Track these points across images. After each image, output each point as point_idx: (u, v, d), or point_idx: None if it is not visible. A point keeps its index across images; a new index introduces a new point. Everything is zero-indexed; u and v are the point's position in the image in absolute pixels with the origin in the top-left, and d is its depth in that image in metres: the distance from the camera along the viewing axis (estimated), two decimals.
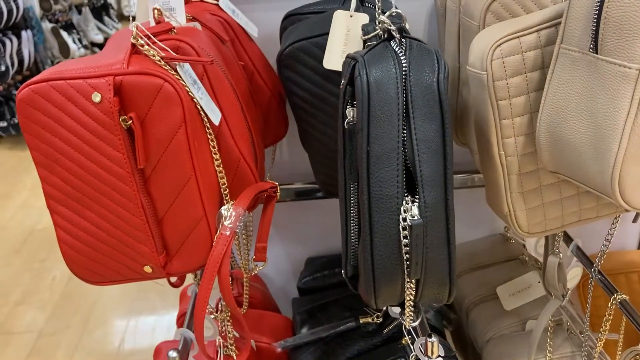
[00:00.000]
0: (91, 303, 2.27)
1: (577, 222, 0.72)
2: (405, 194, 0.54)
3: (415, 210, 0.53)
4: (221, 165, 0.68)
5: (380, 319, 0.93)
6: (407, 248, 0.54)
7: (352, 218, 0.60)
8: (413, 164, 0.53)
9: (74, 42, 4.42)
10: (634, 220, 0.81)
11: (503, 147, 0.67)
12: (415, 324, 0.62)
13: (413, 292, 0.57)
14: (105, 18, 5.23)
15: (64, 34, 4.29)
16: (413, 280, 0.56)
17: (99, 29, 5.03)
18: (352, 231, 0.61)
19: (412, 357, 0.71)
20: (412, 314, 0.60)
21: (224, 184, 0.68)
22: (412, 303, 0.58)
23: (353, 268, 0.62)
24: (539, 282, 0.98)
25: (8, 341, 2.09)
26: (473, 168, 1.06)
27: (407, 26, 0.81)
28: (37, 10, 4.07)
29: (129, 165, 0.62)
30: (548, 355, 0.87)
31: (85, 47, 4.64)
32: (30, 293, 2.36)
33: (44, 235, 2.68)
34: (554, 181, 0.69)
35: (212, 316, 0.85)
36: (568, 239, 0.89)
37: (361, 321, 0.93)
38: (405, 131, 0.53)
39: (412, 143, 0.53)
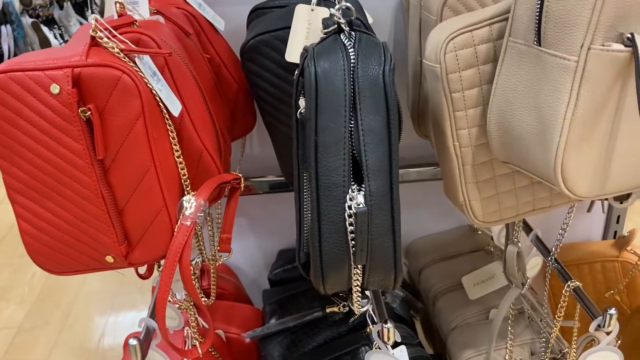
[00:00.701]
0: (71, 299, 2.27)
1: (531, 211, 0.74)
2: (352, 183, 0.55)
3: (360, 199, 0.55)
4: (181, 157, 0.69)
5: (347, 309, 0.95)
6: (353, 235, 0.56)
7: (305, 206, 0.62)
8: (359, 154, 0.55)
9: (55, 37, 4.38)
10: (588, 210, 0.83)
11: (457, 139, 0.69)
12: (364, 309, 0.63)
13: (360, 278, 0.59)
14: (88, 13, 5.19)
15: (44, 29, 4.26)
16: (359, 267, 0.58)
17: (81, 24, 4.99)
18: (305, 219, 0.62)
19: (374, 345, 0.73)
20: (359, 299, 0.61)
21: (185, 175, 0.69)
22: (359, 289, 0.60)
23: (306, 255, 0.64)
24: (503, 272, 1.00)
25: None
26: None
27: (369, 19, 0.83)
28: (17, 5, 4.03)
29: (88, 156, 0.63)
30: (509, 342, 0.90)
31: (66, 42, 4.59)
32: (9, 289, 2.34)
33: None
34: (507, 171, 0.71)
35: (177, 305, 0.86)
36: (528, 229, 0.91)
37: (328, 311, 0.95)
38: (352, 122, 0.55)
39: (358, 133, 0.54)
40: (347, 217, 0.55)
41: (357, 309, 0.63)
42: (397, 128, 0.55)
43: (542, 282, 1.17)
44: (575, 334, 0.83)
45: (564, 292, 0.79)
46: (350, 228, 0.56)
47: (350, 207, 0.55)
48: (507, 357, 0.90)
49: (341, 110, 0.54)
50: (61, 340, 2.04)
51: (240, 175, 0.78)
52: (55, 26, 4.52)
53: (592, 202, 0.82)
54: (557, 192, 0.73)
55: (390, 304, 0.98)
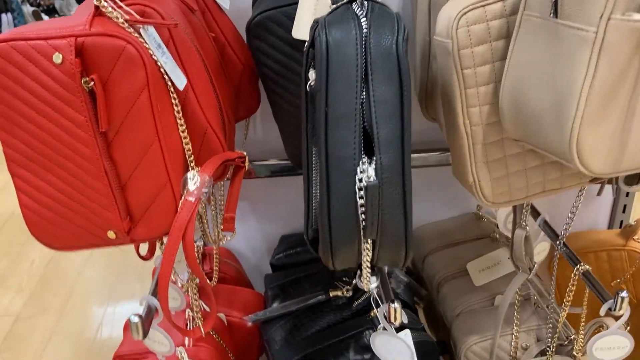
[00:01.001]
0: (70, 287, 2.25)
1: (541, 192, 0.73)
2: (363, 156, 0.54)
3: (371, 172, 0.53)
4: (186, 131, 0.67)
5: (350, 293, 0.94)
6: (363, 209, 0.54)
7: (313, 181, 0.60)
8: (370, 126, 0.53)
9: None
10: (598, 193, 0.82)
11: (468, 116, 0.67)
12: (373, 285, 0.62)
13: (370, 254, 0.58)
14: None
15: (45, 17, 4.23)
16: (369, 242, 0.57)
17: None
18: (313, 194, 0.61)
19: (379, 328, 0.72)
20: (369, 276, 0.60)
21: (189, 150, 0.68)
22: (369, 265, 0.59)
23: (314, 231, 0.62)
24: (509, 258, 0.99)
25: None
26: (445, 145, 1.06)
27: None
28: None
29: (91, 128, 0.61)
30: (515, 328, 0.89)
31: None
32: (7, 277, 2.33)
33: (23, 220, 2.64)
34: (518, 151, 0.69)
35: (179, 285, 0.85)
36: (536, 213, 0.90)
37: (331, 294, 0.93)
38: (364, 93, 0.53)
39: (370, 105, 0.53)
40: (357, 190, 0.54)
41: (366, 286, 0.61)
42: (410, 100, 0.54)
43: (546, 271, 1.16)
44: (583, 320, 0.82)
45: (573, 275, 0.78)
46: (360, 202, 0.55)
47: (360, 180, 0.54)
48: (512, 343, 0.89)
49: (353, 81, 0.53)
50: (59, 328, 2.03)
51: (245, 153, 0.77)
52: (56, 15, 4.49)
53: (603, 186, 0.81)
54: (568, 173, 0.72)
55: (394, 289, 0.97)
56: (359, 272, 0.66)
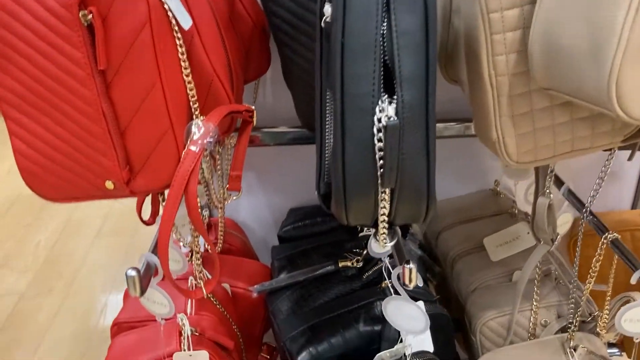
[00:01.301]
0: (75, 268, 2.23)
1: (569, 152, 0.68)
2: (382, 93, 0.49)
3: (391, 111, 0.49)
4: (190, 76, 0.63)
5: (361, 264, 0.89)
6: (382, 153, 0.50)
7: (326, 130, 0.56)
8: (392, 60, 0.48)
9: None
10: (629, 158, 0.77)
11: (493, 66, 0.62)
12: (390, 245, 0.57)
13: (387, 206, 0.53)
14: None
15: None
16: (387, 192, 0.52)
17: None
18: (326, 144, 0.56)
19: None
20: (385, 232, 0.55)
21: (193, 97, 0.64)
22: (386, 219, 0.54)
23: (326, 185, 0.58)
24: (528, 233, 0.94)
25: None
26: (465, 116, 1.02)
27: None
28: None
29: (89, 66, 0.57)
30: (534, 303, 0.84)
31: None
32: (13, 257, 2.32)
33: (30, 201, 2.63)
34: (546, 105, 0.64)
35: (184, 251, 0.81)
36: (559, 183, 0.85)
37: (340, 265, 0.89)
38: (385, 23, 0.49)
39: (391, 36, 0.48)
40: (375, 131, 0.49)
41: (382, 244, 0.57)
42: (436, 32, 0.49)
43: (565, 251, 1.11)
44: (609, 295, 0.77)
45: (600, 244, 0.73)
46: (378, 145, 0.50)
47: (379, 120, 0.49)
48: (531, 319, 0.84)
49: (373, 9, 0.48)
50: (64, 308, 2.01)
51: (253, 108, 0.72)
52: None
53: (634, 150, 0.75)
54: (600, 131, 0.67)
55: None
56: (372, 235, 0.62)
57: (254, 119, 0.74)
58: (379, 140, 0.50)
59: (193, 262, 0.75)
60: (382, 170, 0.51)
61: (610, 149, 0.73)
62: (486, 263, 0.95)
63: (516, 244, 0.94)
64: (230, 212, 1.14)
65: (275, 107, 1.04)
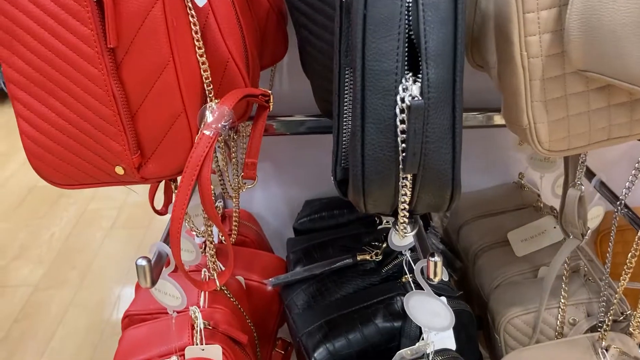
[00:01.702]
0: (89, 260, 2.23)
1: (605, 140, 0.64)
2: (406, 71, 0.46)
3: (415, 90, 0.45)
4: (204, 56, 0.60)
5: (380, 257, 0.86)
6: (404, 136, 0.46)
7: (345, 111, 0.52)
8: (417, 35, 0.45)
9: None
10: None
11: (526, 47, 0.58)
12: (410, 234, 0.54)
13: (409, 194, 0.49)
14: None
15: None
16: (409, 179, 0.49)
17: None
18: (344, 127, 0.53)
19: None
20: (405, 222, 0.52)
21: (207, 78, 0.61)
22: (406, 207, 0.50)
23: (343, 171, 0.54)
24: (555, 227, 0.90)
25: (2, 293, 2.05)
26: (488, 105, 0.98)
27: None
28: None
29: (98, 44, 0.54)
30: (562, 300, 0.80)
31: None
32: (27, 248, 2.32)
33: (45, 193, 2.64)
34: (581, 89, 0.60)
35: (198, 242, 0.78)
36: (590, 174, 0.81)
37: (359, 258, 0.86)
38: None
39: (417, 9, 0.45)
40: (398, 112, 0.46)
41: (402, 233, 0.53)
42: (465, 5, 0.45)
43: (592, 247, 1.07)
44: None
45: (636, 239, 0.68)
46: (401, 127, 0.47)
47: (402, 100, 0.46)
48: (559, 317, 0.80)
49: None
50: (77, 301, 2.00)
51: (270, 92, 0.69)
52: None
53: None
54: (639, 118, 0.63)
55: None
56: (392, 225, 0.58)
57: (271, 104, 0.71)
58: (402, 121, 0.46)
59: (206, 253, 0.72)
60: (404, 154, 0.47)
61: None
62: (510, 258, 0.91)
63: (542, 238, 0.89)
64: (244, 204, 1.11)
65: (292, 95, 1.01)
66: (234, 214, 0.89)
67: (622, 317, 0.78)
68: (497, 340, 0.84)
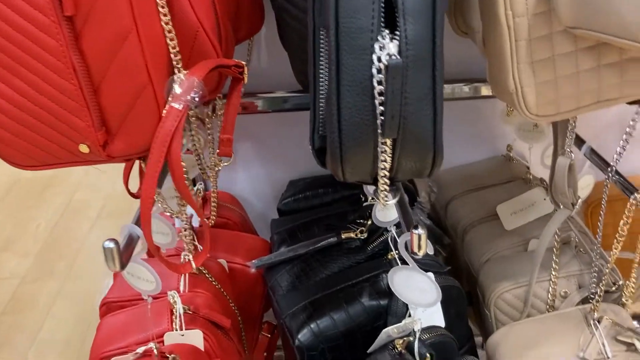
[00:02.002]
0: (76, 251, 2.19)
1: (595, 103, 0.61)
2: (383, 28, 0.43)
3: (393, 48, 0.42)
4: (170, 24, 0.56)
5: (365, 235, 0.83)
6: (382, 97, 0.43)
7: (320, 75, 0.49)
8: None
9: None
10: None
11: (511, 6, 0.55)
12: (392, 202, 0.51)
13: (388, 159, 0.47)
14: None
15: None
16: (388, 143, 0.46)
17: None
18: (320, 92, 0.50)
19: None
20: (386, 189, 0.49)
21: (174, 47, 0.57)
22: (386, 174, 0.48)
23: (321, 138, 0.51)
24: (545, 199, 0.87)
25: None
26: (475, 76, 0.95)
27: None
28: None
29: (54, 12, 0.50)
30: (553, 273, 0.78)
31: None
32: (13, 240, 2.28)
33: (31, 185, 2.59)
34: (569, 50, 0.57)
35: (176, 226, 0.75)
36: (580, 142, 0.78)
37: (343, 236, 0.83)
38: None
39: None
40: (374, 72, 0.43)
41: (383, 202, 0.50)
42: None
43: (582, 217, 1.05)
44: (637, 263, 0.71)
45: (628, 205, 0.66)
46: (378, 88, 0.43)
47: (379, 60, 0.43)
48: (550, 290, 0.78)
49: None
50: (64, 292, 1.97)
51: (244, 63, 0.66)
52: None
53: None
54: (630, 79, 0.60)
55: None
56: (372, 194, 0.55)
57: (245, 76, 0.67)
58: (379, 82, 0.43)
59: (182, 234, 0.69)
60: (382, 117, 0.44)
61: (637, 102, 0.66)
62: (499, 232, 0.89)
63: (531, 211, 0.87)
64: (226, 186, 1.08)
65: (272, 71, 0.97)
66: (212, 194, 0.86)
67: (614, 288, 0.76)
68: (487, 315, 0.82)
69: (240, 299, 0.89)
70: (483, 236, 0.91)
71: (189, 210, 0.74)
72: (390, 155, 0.47)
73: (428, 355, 0.63)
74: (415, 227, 0.55)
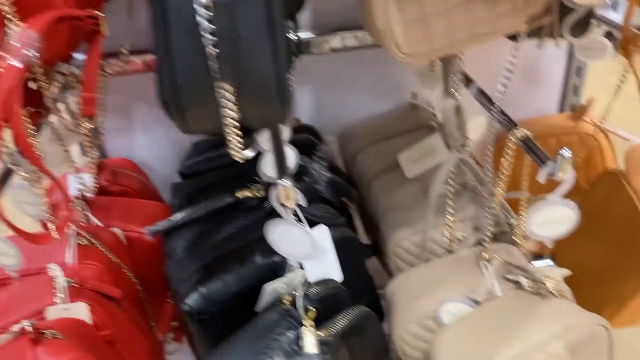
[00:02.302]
0: None
1: (469, 40, 0.59)
2: None
3: None
4: None
5: (263, 193, 0.80)
6: (212, 38, 0.40)
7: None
8: None
9: None
10: (539, 45, 0.69)
11: None
12: (248, 155, 0.48)
13: (232, 106, 0.43)
14: None
15: None
16: (228, 88, 0.42)
17: None
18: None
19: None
20: (237, 138, 0.46)
21: None
22: (234, 123, 0.44)
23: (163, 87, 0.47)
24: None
25: None
26: None
27: None
28: None
29: None
30: (449, 218, 0.77)
31: None
32: None
33: None
34: None
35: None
36: (469, 83, 0.77)
37: (239, 196, 0.80)
38: None
39: None
40: (199, 8, 0.39)
41: (235, 154, 0.47)
42: None
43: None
44: (526, 202, 0.71)
45: (507, 142, 0.65)
46: (209, 27, 0.40)
47: None
48: (447, 235, 0.77)
49: None
50: None
51: (98, 13, 0.60)
52: None
53: (542, 35, 0.68)
54: (501, 10, 0.58)
55: (313, 185, 0.84)
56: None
57: (104, 28, 0.62)
58: (210, 21, 0.40)
59: (47, 202, 0.64)
60: (217, 61, 0.41)
61: (516, 37, 0.65)
62: (402, 181, 0.88)
63: (432, 157, 0.86)
64: (126, 152, 1.03)
65: None
66: (90, 160, 0.81)
67: (509, 228, 0.77)
68: (389, 265, 0.81)
69: (140, 268, 0.85)
70: (387, 186, 0.89)
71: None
72: (233, 101, 0.43)
73: (313, 309, 0.62)
74: (281, 178, 0.53)
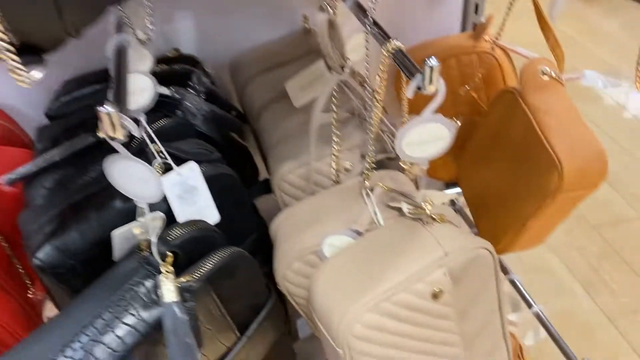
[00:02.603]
0: None
1: None
2: None
3: None
4: None
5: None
6: None
7: None
8: None
9: None
10: None
11: None
12: (35, 77, 0.40)
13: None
14: None
15: None
16: None
17: None
18: None
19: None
20: (9, 55, 0.38)
21: None
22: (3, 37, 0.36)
23: None
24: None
25: None
26: None
27: None
28: None
29: None
30: (335, 147, 0.72)
31: None
32: None
33: None
34: None
35: None
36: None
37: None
38: None
39: None
40: None
41: (17, 79, 0.39)
42: None
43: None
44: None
45: (381, 57, 0.59)
46: None
47: None
48: (334, 165, 0.72)
49: None
50: None
51: None
52: None
53: None
54: None
55: (189, 120, 0.76)
56: None
57: None
58: None
59: None
60: None
61: None
62: (291, 111, 0.81)
63: (319, 83, 0.79)
64: None
65: None
66: None
67: (393, 153, 0.72)
68: (276, 200, 0.76)
69: (3, 221, 0.77)
70: (274, 117, 0.83)
71: None
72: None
73: (171, 254, 0.56)
74: (103, 106, 0.45)
